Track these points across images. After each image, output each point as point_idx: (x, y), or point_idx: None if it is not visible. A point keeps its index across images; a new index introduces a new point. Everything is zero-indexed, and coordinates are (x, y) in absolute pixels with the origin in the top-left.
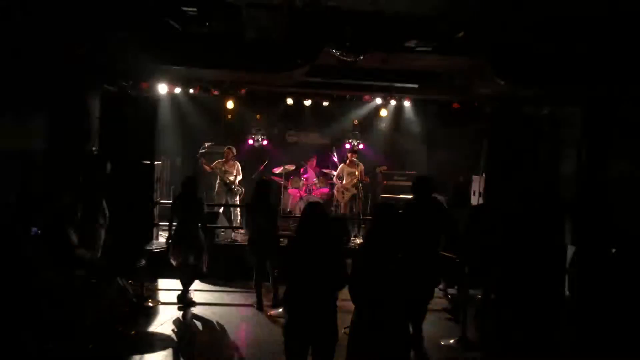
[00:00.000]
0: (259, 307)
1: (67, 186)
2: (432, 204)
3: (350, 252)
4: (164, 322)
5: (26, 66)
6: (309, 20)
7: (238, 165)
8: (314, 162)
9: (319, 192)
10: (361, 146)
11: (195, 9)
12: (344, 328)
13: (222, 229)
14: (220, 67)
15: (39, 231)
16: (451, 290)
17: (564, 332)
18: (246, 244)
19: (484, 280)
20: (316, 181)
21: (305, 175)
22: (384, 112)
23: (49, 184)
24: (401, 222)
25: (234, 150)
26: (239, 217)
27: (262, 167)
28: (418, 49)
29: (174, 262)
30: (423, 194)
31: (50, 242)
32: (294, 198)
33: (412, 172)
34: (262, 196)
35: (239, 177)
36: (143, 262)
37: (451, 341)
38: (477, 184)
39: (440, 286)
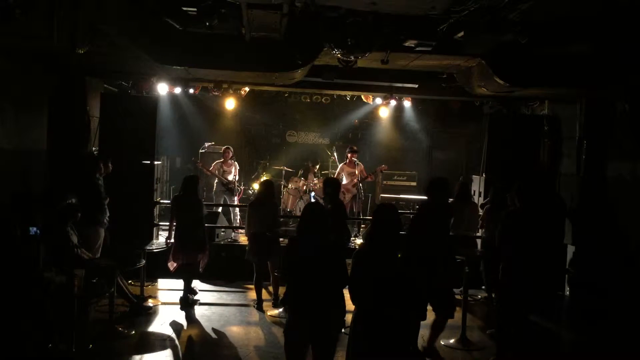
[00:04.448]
0: (259, 307)
1: (67, 186)
2: (446, 205)
3: (350, 252)
4: (164, 322)
5: (26, 66)
6: (309, 20)
7: (236, 165)
8: (315, 167)
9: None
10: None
11: (195, 9)
12: (344, 328)
13: (222, 229)
14: (220, 67)
15: (38, 231)
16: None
17: (564, 332)
18: (246, 244)
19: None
20: (316, 181)
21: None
22: (384, 112)
23: (49, 184)
24: (401, 223)
25: (232, 150)
26: (239, 217)
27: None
28: (418, 49)
29: (171, 267)
30: (438, 195)
31: (50, 242)
32: (294, 198)
33: (413, 172)
34: (264, 196)
35: (237, 177)
36: (143, 262)
37: (451, 341)
38: (477, 184)
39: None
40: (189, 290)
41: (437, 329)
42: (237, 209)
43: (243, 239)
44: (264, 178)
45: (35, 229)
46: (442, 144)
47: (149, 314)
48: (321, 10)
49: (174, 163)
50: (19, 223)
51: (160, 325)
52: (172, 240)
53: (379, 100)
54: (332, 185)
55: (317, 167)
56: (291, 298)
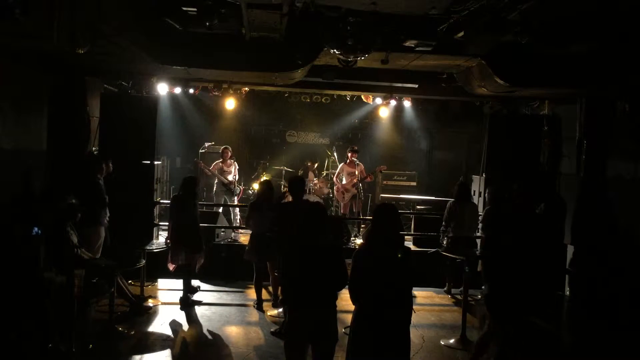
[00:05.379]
0: (259, 307)
1: (67, 186)
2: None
3: (350, 252)
4: (164, 322)
5: (26, 66)
6: (309, 20)
7: (236, 165)
8: (314, 166)
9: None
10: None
11: (195, 9)
12: (344, 328)
13: (222, 229)
14: (220, 67)
15: (40, 231)
16: (455, 291)
17: (564, 332)
18: (246, 244)
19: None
20: (316, 181)
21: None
22: (384, 112)
23: (49, 184)
24: (401, 223)
25: (231, 150)
26: (239, 217)
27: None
28: (418, 49)
29: (171, 267)
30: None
31: (50, 242)
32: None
33: (412, 172)
34: (264, 196)
35: (237, 177)
36: (143, 262)
37: (451, 341)
38: (477, 184)
39: (445, 288)
40: (188, 290)
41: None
42: (237, 209)
43: (243, 239)
44: (264, 178)
45: (37, 229)
46: (442, 144)
47: (149, 314)
48: (321, 10)
49: (174, 163)
50: (20, 223)
51: (160, 325)
52: (170, 241)
53: (379, 100)
54: (296, 184)
55: (316, 165)
56: (291, 298)
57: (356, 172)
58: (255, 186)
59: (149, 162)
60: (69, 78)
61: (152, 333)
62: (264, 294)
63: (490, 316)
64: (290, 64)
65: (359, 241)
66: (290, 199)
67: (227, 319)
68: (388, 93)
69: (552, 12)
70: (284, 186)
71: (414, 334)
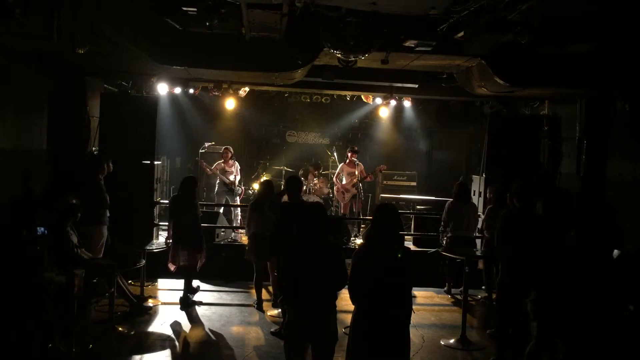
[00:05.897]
0: (259, 307)
1: (67, 186)
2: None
3: (350, 252)
4: (164, 322)
5: (26, 66)
6: (309, 20)
7: (237, 165)
8: (315, 170)
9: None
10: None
11: (195, 9)
12: (344, 328)
13: (222, 229)
14: (220, 67)
15: (45, 231)
16: (455, 291)
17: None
18: (246, 243)
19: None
20: (317, 182)
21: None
22: (384, 112)
23: (49, 184)
24: (401, 223)
25: (232, 150)
26: (240, 217)
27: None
28: (418, 49)
29: (171, 267)
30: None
31: (50, 242)
32: None
33: (413, 172)
34: (264, 196)
35: (238, 177)
36: (143, 262)
37: (451, 341)
38: (477, 184)
39: (445, 288)
40: (188, 290)
41: None
42: (238, 209)
43: (243, 239)
44: (264, 178)
45: (42, 229)
46: (442, 144)
47: (149, 314)
48: (321, 10)
49: (174, 163)
50: (21, 223)
51: (160, 325)
52: (171, 241)
53: (379, 100)
54: (294, 184)
55: (317, 172)
56: (291, 298)
57: (356, 172)
58: (256, 186)
59: (149, 162)
60: (69, 78)
61: (152, 333)
62: (264, 294)
63: (537, 322)
64: (290, 64)
65: (359, 241)
66: (286, 198)
67: (227, 319)
68: (388, 93)
69: (552, 12)
70: (283, 186)
71: (414, 334)
